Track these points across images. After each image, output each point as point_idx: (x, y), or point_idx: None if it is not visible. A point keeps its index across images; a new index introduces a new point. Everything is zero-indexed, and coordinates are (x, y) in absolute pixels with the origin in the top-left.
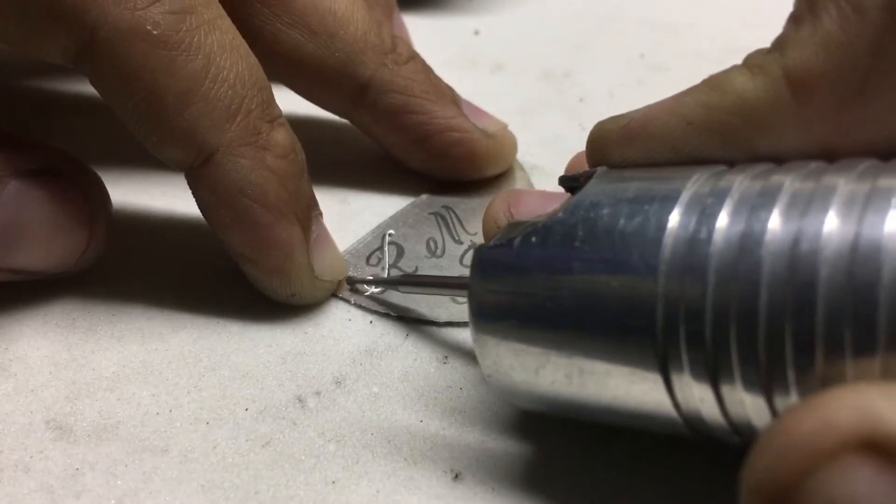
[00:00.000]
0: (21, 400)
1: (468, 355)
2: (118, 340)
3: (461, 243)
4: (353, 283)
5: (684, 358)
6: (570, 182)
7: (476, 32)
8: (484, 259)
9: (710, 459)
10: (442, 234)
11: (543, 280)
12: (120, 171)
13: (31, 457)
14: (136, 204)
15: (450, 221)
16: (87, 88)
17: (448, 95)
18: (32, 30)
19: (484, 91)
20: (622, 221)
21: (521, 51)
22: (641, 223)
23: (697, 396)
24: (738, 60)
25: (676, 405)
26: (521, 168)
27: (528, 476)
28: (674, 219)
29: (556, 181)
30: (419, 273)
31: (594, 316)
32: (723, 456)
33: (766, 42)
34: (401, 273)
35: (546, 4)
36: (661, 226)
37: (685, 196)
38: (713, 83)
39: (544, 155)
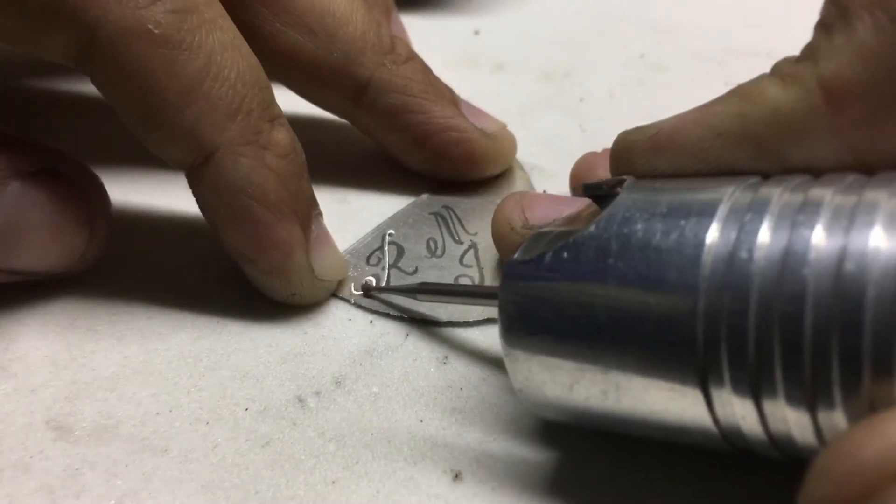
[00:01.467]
0: (21, 400)
1: (468, 355)
2: (118, 340)
3: (461, 243)
4: (369, 292)
5: (726, 375)
6: (594, 190)
7: (476, 32)
8: (514, 274)
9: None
10: (442, 233)
11: (577, 296)
12: (120, 171)
13: (31, 457)
14: (137, 204)
15: (450, 221)
16: (87, 88)
17: (447, 95)
18: (33, 29)
19: (484, 91)
20: (658, 237)
21: (521, 51)
22: (678, 239)
23: (739, 413)
24: (739, 60)
25: (716, 420)
26: (521, 168)
27: (528, 476)
28: (712, 235)
29: (557, 181)
30: (424, 277)
31: (631, 332)
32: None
33: (766, 43)
34: (400, 272)
35: (546, 4)
36: (700, 242)
37: (722, 210)
38: (744, 93)
39: (544, 155)
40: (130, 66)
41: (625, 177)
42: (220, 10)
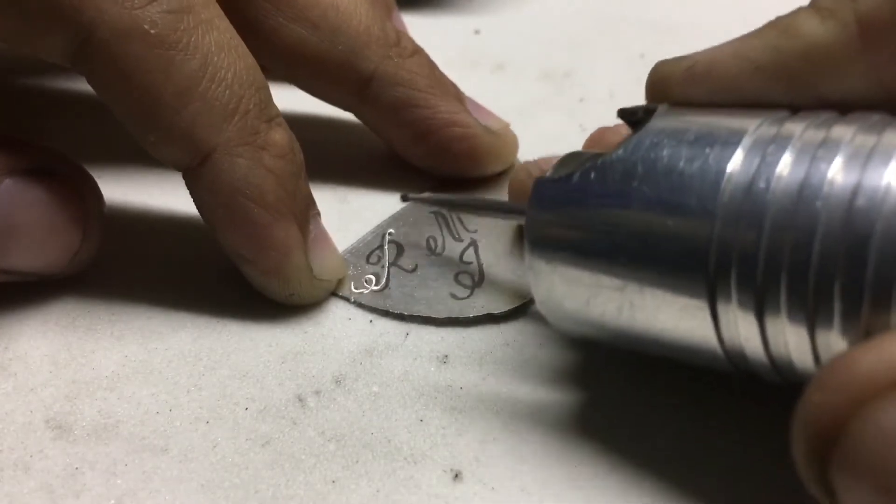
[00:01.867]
0: (21, 399)
1: (468, 355)
2: (118, 340)
3: (461, 241)
4: (407, 198)
5: (733, 296)
6: (629, 115)
7: (476, 32)
8: (542, 191)
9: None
10: (442, 232)
11: (601, 216)
12: (119, 171)
13: (31, 456)
14: (136, 203)
15: (450, 220)
16: (85, 88)
17: (452, 91)
18: (29, 29)
19: (484, 91)
20: (682, 163)
21: (521, 51)
22: (701, 167)
23: (743, 335)
24: None
25: (721, 341)
26: None
27: (528, 476)
28: (734, 164)
29: None
30: (424, 275)
31: (649, 254)
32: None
33: None
34: (400, 270)
35: (546, 4)
36: (721, 170)
37: (746, 141)
38: (782, 27)
39: (544, 155)
40: (126, 66)
41: (657, 104)
42: (216, 10)
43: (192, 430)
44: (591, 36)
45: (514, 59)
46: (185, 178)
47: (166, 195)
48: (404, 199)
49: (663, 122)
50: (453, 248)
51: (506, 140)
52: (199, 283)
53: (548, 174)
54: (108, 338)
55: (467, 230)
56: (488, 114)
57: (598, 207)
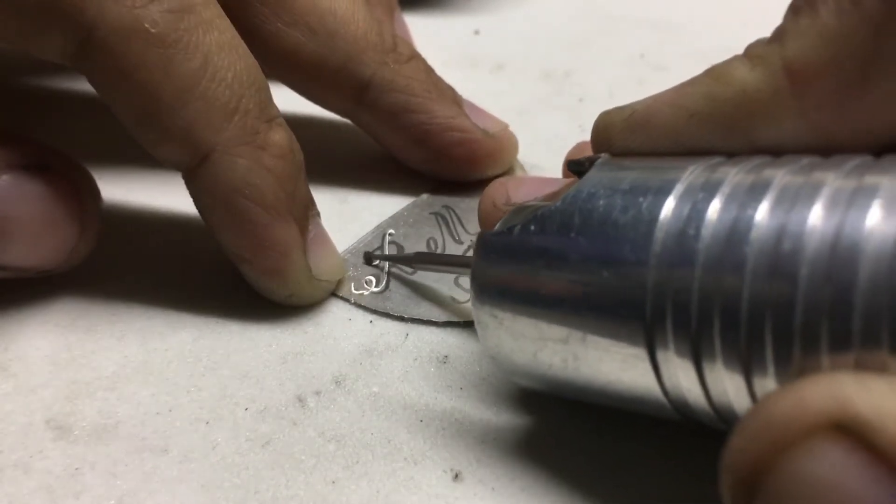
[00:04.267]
0: (21, 400)
1: (468, 355)
2: (118, 340)
3: (461, 243)
4: (370, 258)
5: (671, 345)
6: (576, 167)
7: (476, 32)
8: (485, 244)
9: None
10: (442, 233)
11: (540, 268)
12: (119, 171)
13: (31, 456)
14: (137, 203)
15: (450, 221)
16: (85, 88)
17: (449, 95)
18: (30, 28)
19: (484, 91)
20: (616, 213)
21: (521, 51)
22: (634, 216)
23: (684, 385)
24: None
25: (665, 392)
26: (522, 168)
27: (528, 476)
28: (665, 212)
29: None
30: (423, 277)
31: (587, 304)
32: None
33: None
34: (400, 271)
35: (546, 4)
36: (653, 219)
37: (678, 189)
38: (715, 74)
39: (544, 155)
40: (127, 65)
41: (600, 155)
42: (217, 10)
43: (192, 430)
44: (591, 36)
45: (514, 59)
46: (184, 178)
47: (166, 195)
48: (368, 261)
49: (601, 172)
50: (454, 250)
51: (504, 142)
52: (199, 283)
53: (495, 228)
54: (108, 338)
55: (467, 232)
56: (486, 116)
57: (538, 259)
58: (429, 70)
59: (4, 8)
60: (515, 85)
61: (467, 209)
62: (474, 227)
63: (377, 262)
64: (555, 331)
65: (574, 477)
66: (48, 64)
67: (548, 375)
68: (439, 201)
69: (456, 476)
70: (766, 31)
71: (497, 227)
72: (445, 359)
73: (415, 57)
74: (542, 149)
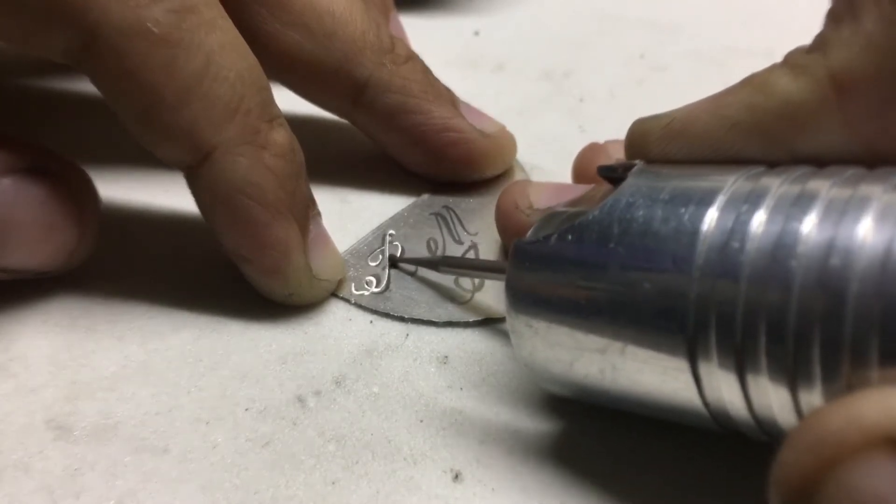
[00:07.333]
0: (21, 400)
1: (468, 355)
2: (118, 340)
3: (461, 243)
4: (395, 262)
5: (714, 360)
6: (608, 172)
7: (476, 33)
8: (521, 253)
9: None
10: (442, 234)
11: (578, 278)
12: (119, 171)
13: (31, 457)
14: (137, 203)
15: (450, 221)
16: (85, 88)
17: (446, 96)
18: (34, 28)
19: (484, 91)
20: (657, 224)
21: (521, 51)
22: (676, 227)
23: (727, 398)
24: (739, 60)
25: (706, 403)
26: (522, 168)
27: (528, 476)
28: (708, 224)
29: (557, 181)
30: (424, 277)
31: (627, 315)
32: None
33: (765, 42)
34: (400, 272)
35: (546, 4)
36: (696, 231)
37: (721, 200)
38: (756, 84)
39: (544, 155)
40: (129, 64)
41: (636, 161)
42: (219, 10)
43: (192, 430)
44: (591, 36)
45: (514, 59)
46: (185, 177)
47: (168, 194)
48: (392, 264)
49: (639, 180)
50: (454, 251)
51: (501, 143)
52: (199, 283)
53: (528, 236)
54: (108, 338)
55: (468, 232)
56: (483, 117)
57: (576, 269)
58: (426, 71)
59: (8, 7)
60: (515, 85)
61: (467, 209)
62: (474, 228)
63: (402, 264)
64: (592, 341)
65: (574, 477)
66: (48, 64)
67: (583, 385)
68: (439, 201)
69: (456, 476)
70: (766, 32)
71: (530, 234)
72: (445, 359)
73: (412, 58)
74: (542, 149)
